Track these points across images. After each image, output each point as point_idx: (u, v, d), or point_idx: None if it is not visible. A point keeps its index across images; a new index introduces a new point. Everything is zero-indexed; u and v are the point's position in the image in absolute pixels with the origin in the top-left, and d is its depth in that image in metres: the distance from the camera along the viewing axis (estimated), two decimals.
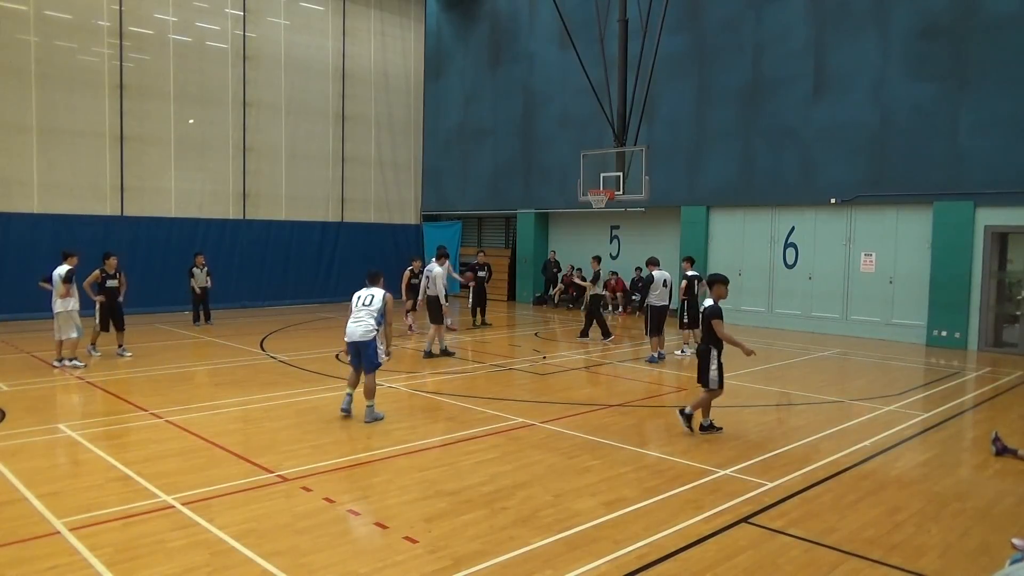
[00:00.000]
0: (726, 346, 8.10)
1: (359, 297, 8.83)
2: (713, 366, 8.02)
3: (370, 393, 8.61)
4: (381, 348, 8.75)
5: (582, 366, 12.79)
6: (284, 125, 21.67)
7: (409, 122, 24.87)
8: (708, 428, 8.24)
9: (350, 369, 8.87)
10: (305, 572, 4.69)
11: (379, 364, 8.71)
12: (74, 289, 11.79)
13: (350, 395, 8.75)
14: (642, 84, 16.05)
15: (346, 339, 8.71)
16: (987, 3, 14.72)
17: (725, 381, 8.15)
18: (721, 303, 8.11)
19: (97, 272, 12.60)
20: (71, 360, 11.57)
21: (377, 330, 8.63)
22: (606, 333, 15.37)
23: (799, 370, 12.61)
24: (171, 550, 4.95)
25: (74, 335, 11.52)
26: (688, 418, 8.21)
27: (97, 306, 12.62)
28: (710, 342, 8.05)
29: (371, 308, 8.63)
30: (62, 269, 11.80)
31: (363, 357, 8.59)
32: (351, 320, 8.68)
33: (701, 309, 8.30)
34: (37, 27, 17.32)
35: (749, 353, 8.07)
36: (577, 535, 5.33)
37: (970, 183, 14.97)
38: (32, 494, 5.94)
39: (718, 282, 8.16)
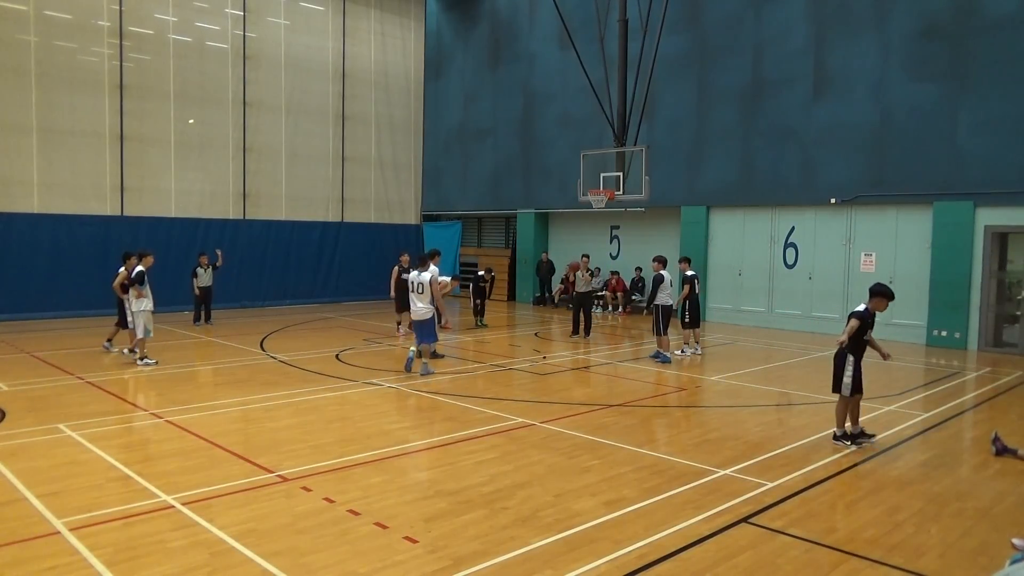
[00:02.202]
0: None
1: (411, 283, 11.37)
2: (848, 371, 7.68)
3: (425, 354, 11.35)
4: (439, 323, 11.44)
5: (582, 366, 12.79)
6: (284, 125, 21.67)
7: (409, 122, 24.88)
8: (859, 436, 7.78)
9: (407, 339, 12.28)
10: (305, 572, 4.69)
11: (431, 340, 11.40)
12: (147, 290, 11.94)
13: (411, 356, 11.39)
14: (642, 84, 16.05)
15: (412, 317, 11.47)
16: (987, 3, 14.72)
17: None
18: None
19: (123, 272, 12.60)
20: (142, 359, 11.79)
21: (432, 308, 11.17)
22: (576, 331, 16.10)
23: (799, 370, 12.61)
24: (171, 550, 4.95)
25: (140, 335, 11.78)
26: (857, 436, 7.79)
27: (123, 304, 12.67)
28: (848, 346, 7.71)
29: (423, 294, 11.14)
30: (135, 270, 11.91)
31: (422, 332, 11.27)
32: (412, 300, 11.35)
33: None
34: (37, 27, 17.32)
35: (880, 352, 7.82)
36: (577, 535, 5.33)
37: (970, 183, 14.96)
38: (32, 494, 5.94)
39: (879, 295, 7.74)
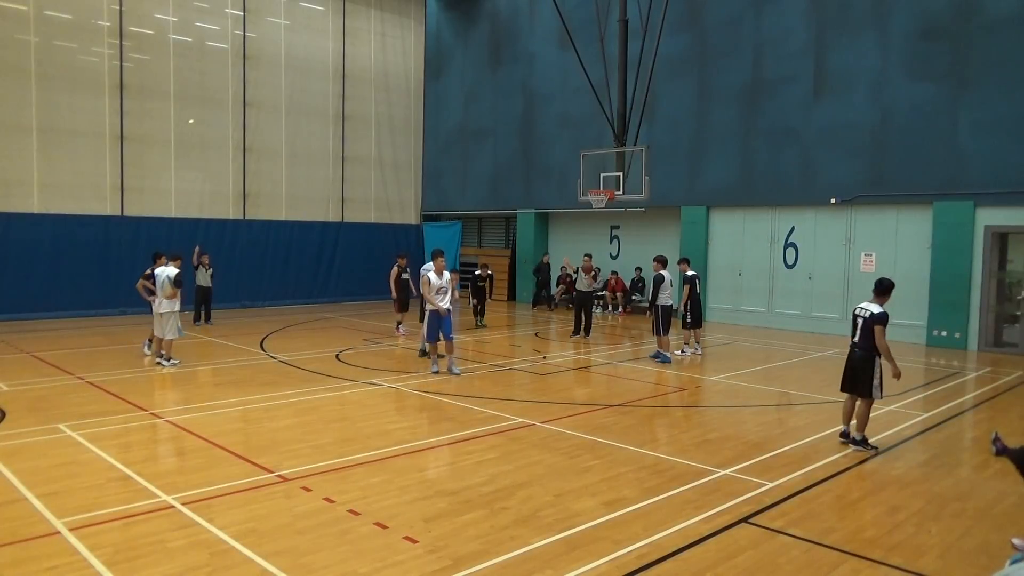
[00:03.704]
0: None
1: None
2: (878, 373, 7.62)
3: (430, 352, 11.72)
4: (426, 321, 11.41)
5: (582, 366, 12.79)
6: (284, 125, 21.66)
7: (409, 122, 24.87)
8: (862, 443, 7.71)
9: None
10: (305, 572, 4.69)
11: (427, 338, 11.53)
12: (180, 291, 11.97)
13: (450, 366, 11.53)
14: (642, 84, 16.05)
15: None
16: (987, 3, 14.72)
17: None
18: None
19: (149, 272, 12.54)
20: (170, 360, 11.79)
21: (431, 306, 11.21)
22: (577, 330, 16.13)
23: (799, 370, 12.60)
24: (171, 550, 4.95)
25: (173, 336, 11.81)
26: (864, 442, 7.72)
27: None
28: (872, 349, 7.61)
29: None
30: (171, 271, 11.84)
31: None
32: None
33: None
34: (37, 27, 17.31)
35: (896, 375, 7.61)
36: (577, 535, 5.33)
37: (970, 183, 14.96)
38: (32, 494, 5.95)
39: (890, 291, 7.82)
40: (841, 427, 7.97)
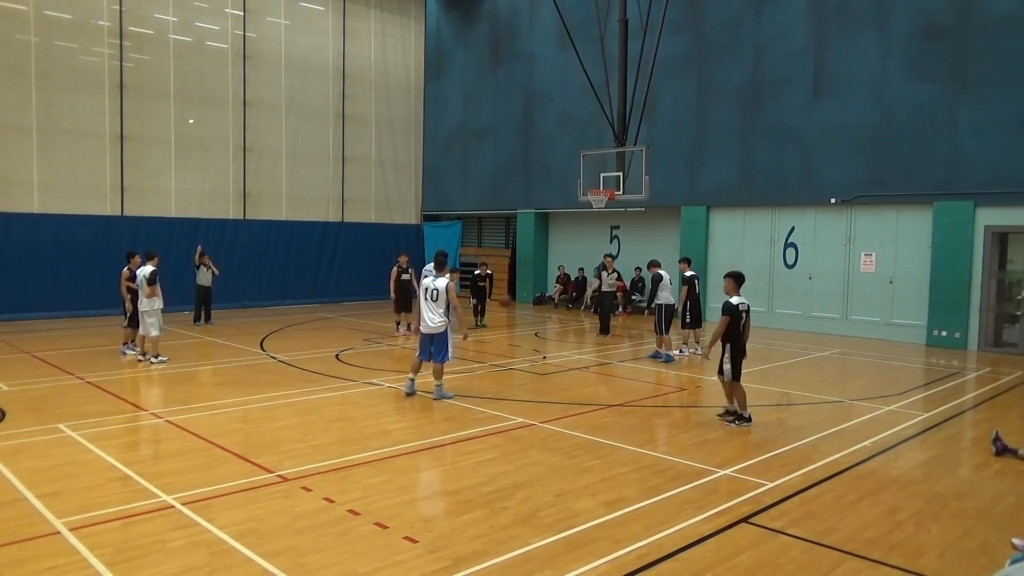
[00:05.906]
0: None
1: (426, 289, 9.56)
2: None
3: (438, 374, 9.66)
4: (452, 339, 9.76)
5: (582, 366, 12.79)
6: (284, 125, 21.67)
7: (409, 122, 24.88)
8: (749, 419, 8.70)
9: (412, 356, 10.05)
10: (305, 572, 4.69)
11: (447, 358, 9.63)
12: (158, 289, 12.03)
13: (412, 379, 9.82)
14: (642, 84, 16.04)
15: (422, 329, 9.61)
16: (987, 4, 14.71)
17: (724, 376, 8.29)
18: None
19: (129, 274, 12.65)
20: (156, 357, 11.91)
21: (447, 321, 9.54)
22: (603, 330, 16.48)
23: (799, 370, 12.60)
24: (171, 550, 4.95)
25: (155, 333, 11.90)
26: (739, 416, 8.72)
27: (127, 304, 12.69)
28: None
29: (439, 303, 9.45)
30: (146, 270, 11.95)
31: (434, 347, 9.54)
32: (424, 309, 9.54)
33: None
34: (37, 27, 17.32)
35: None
36: (577, 535, 5.33)
37: (970, 183, 14.96)
38: (32, 494, 5.94)
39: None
40: (727, 408, 8.80)
